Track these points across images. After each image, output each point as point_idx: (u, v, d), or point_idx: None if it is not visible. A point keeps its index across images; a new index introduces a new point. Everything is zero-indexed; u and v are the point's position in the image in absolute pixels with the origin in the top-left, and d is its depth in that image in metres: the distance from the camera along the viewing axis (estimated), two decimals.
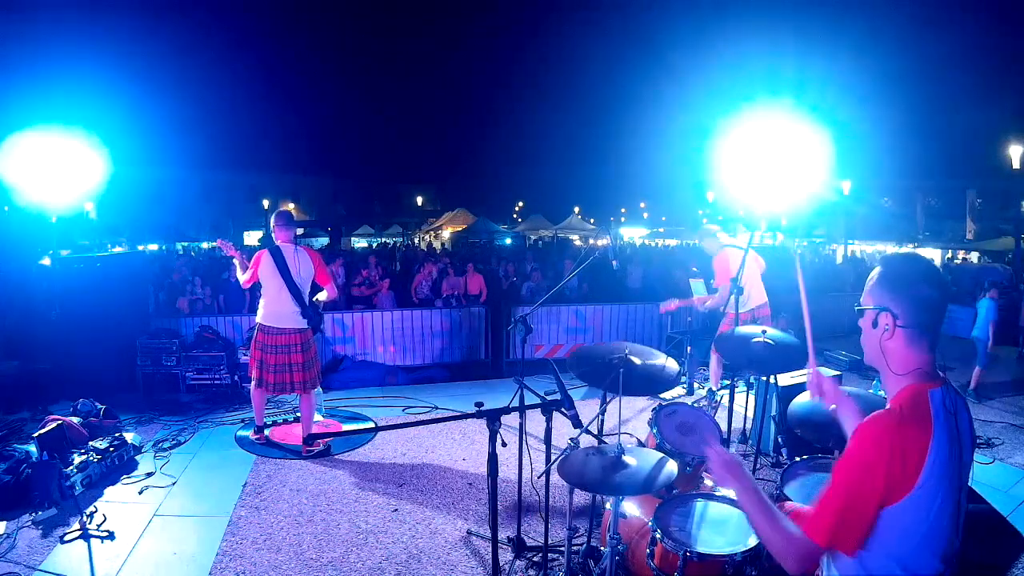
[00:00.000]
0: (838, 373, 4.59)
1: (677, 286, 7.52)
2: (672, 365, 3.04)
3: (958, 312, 7.92)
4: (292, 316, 4.41)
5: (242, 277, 4.54)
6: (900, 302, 1.42)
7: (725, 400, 4.60)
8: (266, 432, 4.79)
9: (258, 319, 4.48)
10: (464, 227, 26.33)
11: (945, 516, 1.32)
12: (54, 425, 4.09)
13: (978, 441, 4.58)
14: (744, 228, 6.18)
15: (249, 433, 4.76)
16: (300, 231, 27.34)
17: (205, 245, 26.49)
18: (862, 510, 1.31)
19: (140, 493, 3.80)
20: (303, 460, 4.32)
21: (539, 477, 2.92)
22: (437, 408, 5.62)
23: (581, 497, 3.36)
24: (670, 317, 7.86)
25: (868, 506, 1.31)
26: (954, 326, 8.16)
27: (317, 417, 5.19)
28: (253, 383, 4.53)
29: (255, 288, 4.56)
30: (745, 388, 5.40)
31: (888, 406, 1.41)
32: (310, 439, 4.36)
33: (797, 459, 2.73)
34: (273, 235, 4.54)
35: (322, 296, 4.62)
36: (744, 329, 3.64)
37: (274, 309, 4.41)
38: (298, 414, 5.26)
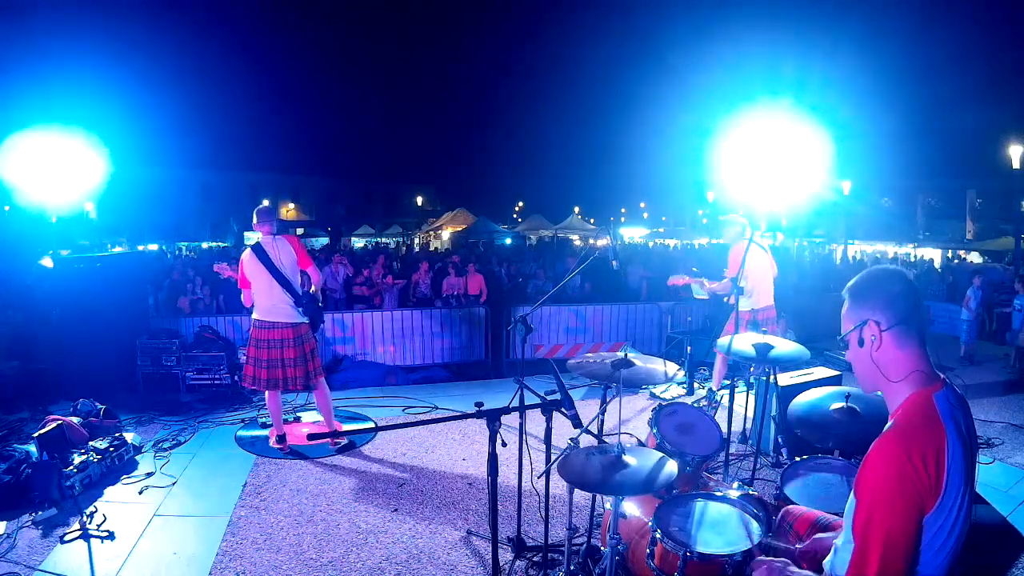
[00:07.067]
0: (837, 373, 4.60)
1: (677, 286, 7.51)
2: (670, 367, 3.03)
3: (959, 312, 7.92)
4: (285, 308, 4.32)
5: (243, 298, 4.46)
6: (876, 307, 1.41)
7: (725, 400, 4.60)
8: (271, 434, 4.73)
9: (253, 316, 4.41)
10: (464, 227, 26.32)
11: (961, 519, 1.31)
12: (54, 425, 4.09)
13: (978, 441, 4.57)
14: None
15: (271, 442, 4.52)
16: (300, 231, 27.44)
17: (205, 245, 26.52)
18: (907, 538, 1.26)
19: (140, 493, 3.80)
20: (304, 461, 4.31)
21: (539, 477, 2.92)
22: (437, 408, 5.61)
23: (581, 497, 3.36)
24: (670, 317, 7.87)
25: (911, 529, 1.26)
26: (953, 326, 8.16)
27: (316, 417, 5.19)
28: (243, 384, 4.43)
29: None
30: (745, 388, 5.40)
31: (891, 421, 1.39)
32: (311, 438, 4.32)
33: (797, 459, 2.72)
34: (256, 232, 4.46)
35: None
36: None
37: (266, 303, 4.32)
38: (298, 414, 5.29)
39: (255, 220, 4.42)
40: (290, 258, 4.37)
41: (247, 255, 4.34)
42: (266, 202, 32.78)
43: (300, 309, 4.37)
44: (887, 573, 1.26)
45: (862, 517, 1.30)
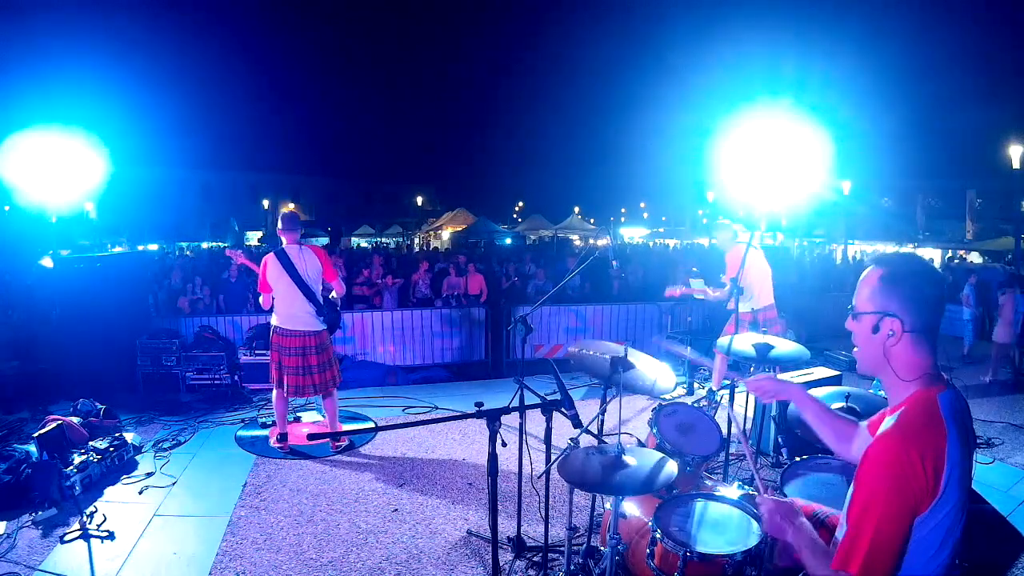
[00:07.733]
0: (837, 373, 4.60)
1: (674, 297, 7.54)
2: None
3: (960, 312, 7.92)
4: (306, 317, 4.34)
5: (262, 300, 4.46)
6: (906, 306, 1.37)
7: (725, 400, 4.59)
8: (270, 435, 4.74)
9: (273, 322, 4.40)
10: (464, 227, 26.33)
11: (958, 520, 1.31)
12: (54, 425, 4.09)
13: (978, 441, 4.57)
14: (745, 228, 6.18)
15: (271, 440, 4.59)
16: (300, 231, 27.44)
17: (205, 245, 26.51)
18: (896, 536, 1.27)
19: (140, 493, 3.80)
20: (304, 461, 4.31)
21: (539, 477, 2.92)
22: (437, 408, 5.61)
23: (581, 497, 3.37)
24: (670, 317, 7.86)
25: (902, 527, 1.27)
26: (954, 326, 8.16)
27: (316, 417, 5.19)
28: (273, 386, 4.45)
29: (256, 288, 4.52)
30: (745, 388, 5.39)
31: (894, 416, 1.38)
32: (312, 438, 4.31)
33: (797, 459, 2.72)
34: (280, 237, 4.46)
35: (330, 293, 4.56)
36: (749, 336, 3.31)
37: (288, 311, 4.32)
38: (298, 414, 5.29)
39: (280, 225, 4.43)
40: (316, 269, 4.38)
41: (270, 259, 4.32)
42: (265, 202, 32.83)
43: (321, 318, 4.41)
44: (872, 564, 1.27)
45: (857, 507, 1.32)
